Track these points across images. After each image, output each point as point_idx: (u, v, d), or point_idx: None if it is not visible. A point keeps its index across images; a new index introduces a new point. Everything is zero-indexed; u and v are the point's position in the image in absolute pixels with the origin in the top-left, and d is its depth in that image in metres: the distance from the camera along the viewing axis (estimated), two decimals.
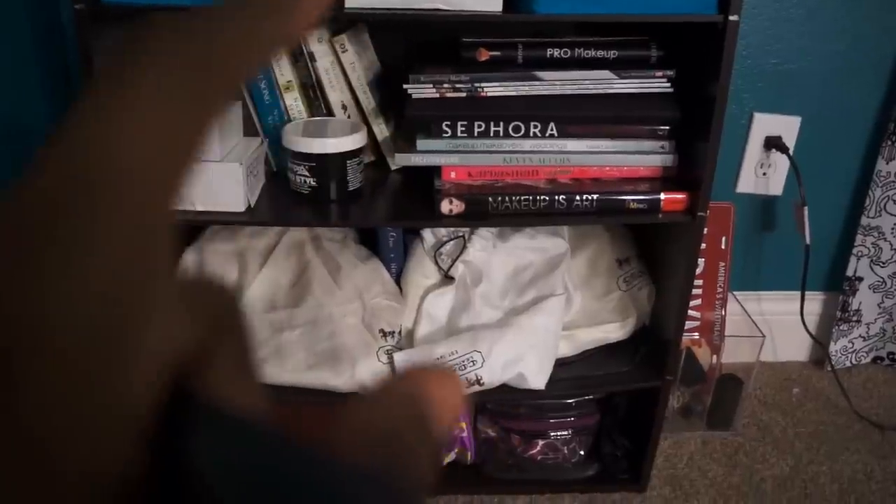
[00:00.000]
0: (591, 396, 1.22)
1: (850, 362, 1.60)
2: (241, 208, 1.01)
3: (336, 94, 1.11)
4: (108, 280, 0.15)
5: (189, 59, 0.18)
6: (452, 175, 1.04)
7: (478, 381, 1.08)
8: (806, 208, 1.40)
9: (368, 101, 1.11)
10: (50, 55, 1.22)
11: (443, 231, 1.18)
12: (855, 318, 1.55)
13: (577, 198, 1.03)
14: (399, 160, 1.05)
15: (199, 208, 1.00)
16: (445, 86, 1.02)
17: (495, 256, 1.18)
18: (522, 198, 1.02)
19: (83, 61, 0.91)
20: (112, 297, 0.15)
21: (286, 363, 1.08)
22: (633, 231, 1.29)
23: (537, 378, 1.09)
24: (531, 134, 1.03)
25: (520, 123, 1.03)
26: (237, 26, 0.20)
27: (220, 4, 0.20)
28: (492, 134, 1.03)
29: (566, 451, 1.23)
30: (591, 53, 1.06)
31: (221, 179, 0.99)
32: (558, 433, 1.21)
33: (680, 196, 1.04)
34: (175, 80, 0.18)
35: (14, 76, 1.13)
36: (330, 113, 1.12)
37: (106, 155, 0.16)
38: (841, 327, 1.55)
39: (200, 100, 0.18)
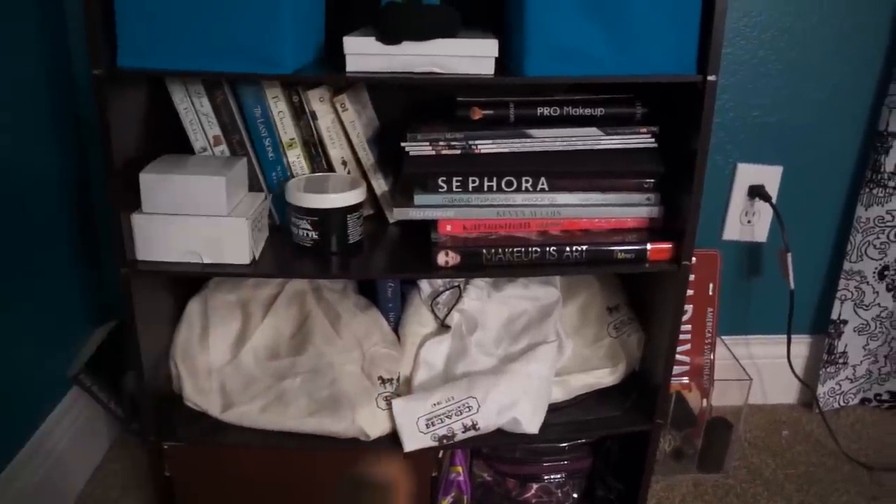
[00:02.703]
0: (583, 440, 1.25)
1: (839, 404, 1.63)
2: (247, 261, 1.05)
3: (337, 151, 1.16)
4: None
5: None
6: (448, 228, 1.09)
7: (473, 427, 1.11)
8: (790, 254, 1.45)
9: (368, 158, 1.16)
10: (63, 112, 1.27)
11: (439, 281, 1.22)
12: (841, 361, 1.59)
13: (568, 249, 1.07)
14: (397, 214, 1.10)
15: (206, 260, 1.05)
16: (441, 143, 1.07)
17: (490, 305, 1.22)
18: (515, 249, 1.06)
19: (101, 122, 0.95)
20: None
21: (288, 410, 1.12)
22: (622, 279, 1.33)
23: (531, 423, 1.13)
24: (523, 188, 1.08)
25: (512, 178, 1.08)
26: None
27: None
28: (486, 189, 1.08)
29: (560, 495, 1.26)
30: (580, 111, 1.11)
31: (228, 233, 1.04)
32: (552, 477, 1.24)
33: (665, 246, 1.08)
34: None
35: (28, 132, 1.17)
36: (331, 168, 1.17)
37: None
38: (828, 369, 1.59)
39: None
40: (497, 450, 1.25)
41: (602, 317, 1.27)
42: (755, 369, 1.59)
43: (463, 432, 1.11)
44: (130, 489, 1.33)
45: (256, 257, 1.07)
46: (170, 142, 1.12)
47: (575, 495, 1.27)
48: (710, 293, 1.41)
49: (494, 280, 1.24)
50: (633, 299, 1.30)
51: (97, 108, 0.95)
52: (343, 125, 1.14)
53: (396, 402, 1.12)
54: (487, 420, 1.11)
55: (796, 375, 1.55)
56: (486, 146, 1.08)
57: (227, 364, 1.18)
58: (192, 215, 1.03)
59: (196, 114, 1.11)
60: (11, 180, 1.14)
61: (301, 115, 1.13)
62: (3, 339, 1.13)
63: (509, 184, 1.08)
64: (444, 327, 1.21)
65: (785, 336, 1.51)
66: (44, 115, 1.22)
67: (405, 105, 1.27)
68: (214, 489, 1.18)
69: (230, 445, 1.13)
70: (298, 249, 1.10)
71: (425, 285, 1.23)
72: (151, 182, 1.03)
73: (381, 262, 1.09)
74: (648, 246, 1.08)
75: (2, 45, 1.10)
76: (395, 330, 1.23)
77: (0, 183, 1.10)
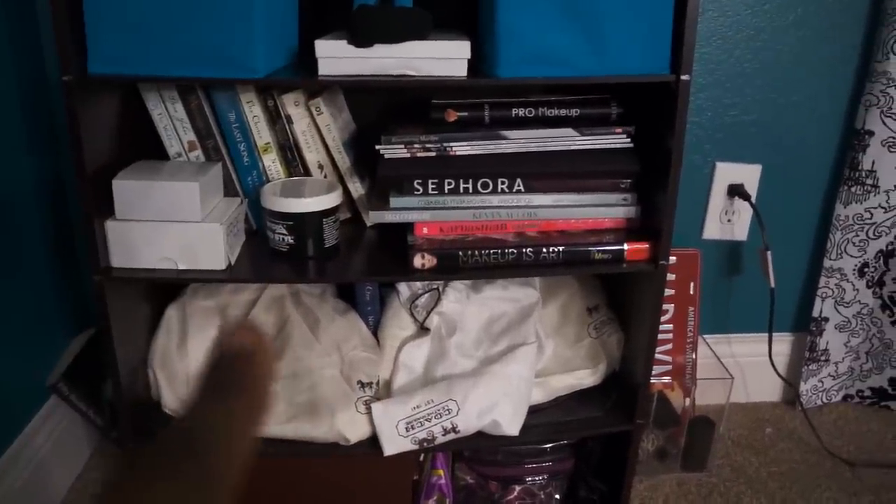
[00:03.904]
0: (565, 442, 1.25)
1: (821, 401, 1.64)
2: (222, 266, 1.05)
3: (312, 155, 1.16)
4: None
5: (190, 479, 0.32)
6: (424, 231, 1.09)
7: (454, 429, 1.11)
8: (769, 252, 1.46)
9: (344, 161, 1.16)
10: (37, 118, 1.26)
11: (418, 284, 1.22)
12: (823, 358, 1.59)
13: (545, 250, 1.07)
14: (374, 217, 1.09)
15: (182, 266, 1.04)
16: (416, 146, 1.07)
17: (469, 307, 1.22)
18: (492, 251, 1.06)
19: (71, 128, 0.95)
20: None
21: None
22: (601, 279, 1.33)
23: (511, 425, 1.12)
24: (499, 190, 1.08)
25: (488, 180, 1.08)
26: (223, 436, 0.37)
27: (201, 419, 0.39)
28: (461, 191, 1.08)
29: (543, 497, 1.25)
30: (555, 112, 1.11)
31: (203, 239, 1.03)
32: (534, 479, 1.24)
33: (643, 246, 1.08)
34: (181, 494, 0.32)
35: (3, 136, 1.17)
36: (307, 173, 1.17)
37: None
38: (810, 367, 1.59)
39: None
40: (478, 452, 1.25)
41: (582, 317, 1.27)
42: (737, 368, 1.60)
43: (443, 435, 1.11)
44: None
45: (232, 263, 1.07)
46: (144, 147, 1.12)
47: (557, 496, 1.27)
48: (691, 292, 1.41)
49: (473, 282, 1.24)
50: (613, 299, 1.30)
51: (67, 115, 0.94)
52: (318, 129, 1.13)
53: (376, 406, 1.11)
54: (467, 422, 1.11)
55: (778, 373, 1.56)
56: (461, 148, 1.08)
57: None
58: (167, 221, 1.03)
59: (170, 119, 1.11)
60: None
61: (276, 119, 1.13)
62: None
63: (485, 185, 1.08)
64: (423, 330, 1.20)
65: (766, 334, 1.51)
66: (17, 121, 1.21)
67: (381, 108, 1.27)
68: None
69: None
70: (275, 254, 1.09)
71: (404, 288, 1.23)
72: (125, 188, 1.02)
73: (359, 266, 1.08)
74: (625, 246, 1.08)
75: None
76: (374, 333, 1.23)
77: None
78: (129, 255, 1.04)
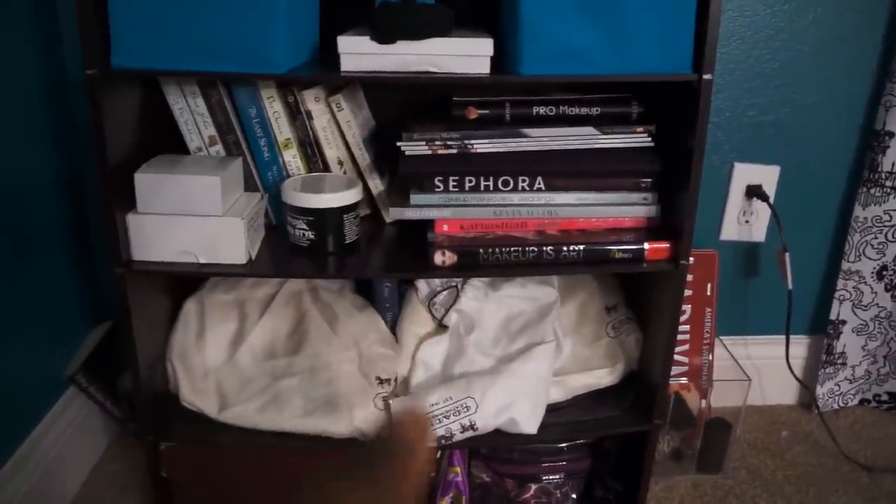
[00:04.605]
0: (582, 441, 1.24)
1: (838, 405, 1.63)
2: (243, 261, 1.05)
3: (332, 151, 1.16)
4: None
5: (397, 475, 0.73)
6: (445, 228, 1.09)
7: (472, 427, 1.11)
8: (787, 254, 1.45)
9: (363, 158, 1.16)
10: (56, 112, 1.27)
11: (436, 281, 1.22)
12: (840, 361, 1.58)
13: (565, 248, 1.07)
14: (394, 214, 1.09)
15: (202, 260, 1.04)
16: (437, 143, 1.07)
17: (487, 305, 1.22)
18: (512, 249, 1.06)
19: (94, 122, 0.95)
20: None
21: (285, 410, 1.11)
22: (620, 279, 1.33)
23: (529, 423, 1.12)
24: (520, 188, 1.08)
25: (509, 178, 1.08)
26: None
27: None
28: (482, 188, 1.08)
29: (559, 496, 1.25)
30: (576, 111, 1.11)
31: (224, 233, 1.04)
32: (551, 477, 1.24)
33: (663, 245, 1.08)
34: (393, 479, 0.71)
35: (21, 133, 1.17)
36: (326, 169, 1.17)
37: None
38: (827, 370, 1.58)
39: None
40: (495, 450, 1.24)
41: (600, 316, 1.27)
42: (754, 370, 1.59)
43: (461, 433, 1.11)
44: (129, 489, 1.33)
45: (253, 257, 1.07)
46: (164, 142, 1.12)
47: (574, 496, 1.27)
48: (709, 293, 1.41)
49: (492, 280, 1.24)
50: (631, 299, 1.30)
51: (90, 109, 0.95)
52: (339, 125, 1.14)
53: (394, 403, 1.11)
54: (485, 420, 1.11)
55: (795, 376, 1.55)
56: (482, 146, 1.08)
57: (224, 364, 1.17)
58: (188, 215, 1.03)
59: (191, 114, 1.11)
60: (6, 180, 1.13)
61: (297, 115, 1.13)
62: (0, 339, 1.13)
63: (506, 183, 1.08)
64: (441, 327, 1.20)
65: (783, 336, 1.50)
66: (37, 117, 1.22)
67: (401, 105, 1.27)
68: (211, 489, 1.18)
69: (227, 446, 1.13)
70: (295, 249, 1.09)
71: (423, 285, 1.23)
72: (147, 182, 1.03)
73: (378, 262, 1.08)
74: (646, 245, 1.08)
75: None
76: (393, 330, 1.23)
77: None
78: (150, 248, 1.04)
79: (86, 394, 1.30)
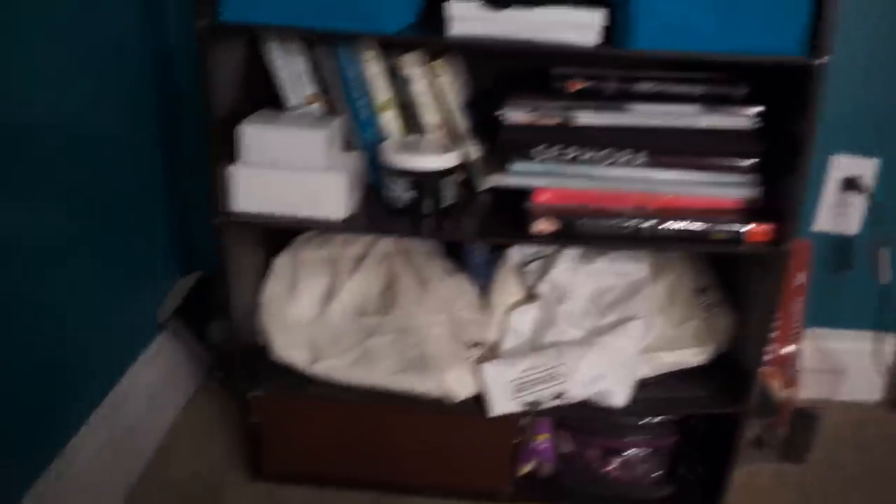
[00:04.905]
0: (669, 418, 1.23)
1: None
2: (342, 216, 1.06)
3: (430, 116, 1.16)
4: None
5: None
6: (544, 197, 1.08)
7: (562, 395, 1.11)
8: (883, 249, 1.41)
9: (460, 124, 1.16)
10: (164, 79, 1.30)
11: (528, 250, 1.22)
12: None
13: (663, 225, 1.06)
14: (493, 181, 1.09)
15: (302, 214, 1.06)
16: (539, 112, 1.06)
17: (578, 277, 1.21)
18: (611, 222, 1.05)
19: (202, 73, 0.97)
20: None
21: (376, 367, 1.13)
22: (710, 260, 1.31)
23: (620, 396, 1.12)
24: (621, 162, 1.07)
25: (610, 151, 1.06)
26: None
27: None
28: (583, 160, 1.07)
29: (641, 470, 1.25)
30: (679, 89, 1.09)
31: (325, 188, 1.05)
32: (635, 452, 1.23)
33: (767, 227, 1.05)
34: None
35: (130, 100, 1.21)
36: (423, 132, 1.17)
37: None
38: None
39: None
40: (581, 421, 1.24)
41: (690, 297, 1.25)
42: (840, 363, 1.55)
43: (551, 400, 1.11)
44: (216, 434, 1.37)
45: (351, 214, 1.08)
46: (262, 99, 1.14)
47: (656, 472, 1.26)
48: (800, 283, 1.38)
49: (584, 253, 1.23)
50: (722, 282, 1.28)
51: (199, 60, 0.97)
52: (437, 90, 1.13)
53: (487, 366, 1.12)
54: (576, 389, 1.11)
55: (883, 373, 1.51)
56: (584, 118, 1.07)
57: (316, 318, 1.20)
58: (290, 169, 1.04)
59: (292, 72, 1.12)
60: (109, 133, 1.17)
61: (396, 78, 1.13)
62: (96, 286, 1.17)
63: (607, 157, 1.07)
64: (531, 296, 1.20)
65: (871, 332, 1.46)
66: (142, 73, 1.25)
67: (496, 75, 1.26)
68: (298, 438, 1.22)
69: (317, 398, 1.15)
70: (392, 209, 1.10)
71: (514, 253, 1.23)
72: (251, 134, 1.04)
73: (474, 227, 1.09)
74: (747, 227, 1.05)
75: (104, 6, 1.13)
76: (482, 296, 1.23)
77: (95, 141, 1.13)
78: (250, 200, 1.06)
79: (177, 340, 1.33)
